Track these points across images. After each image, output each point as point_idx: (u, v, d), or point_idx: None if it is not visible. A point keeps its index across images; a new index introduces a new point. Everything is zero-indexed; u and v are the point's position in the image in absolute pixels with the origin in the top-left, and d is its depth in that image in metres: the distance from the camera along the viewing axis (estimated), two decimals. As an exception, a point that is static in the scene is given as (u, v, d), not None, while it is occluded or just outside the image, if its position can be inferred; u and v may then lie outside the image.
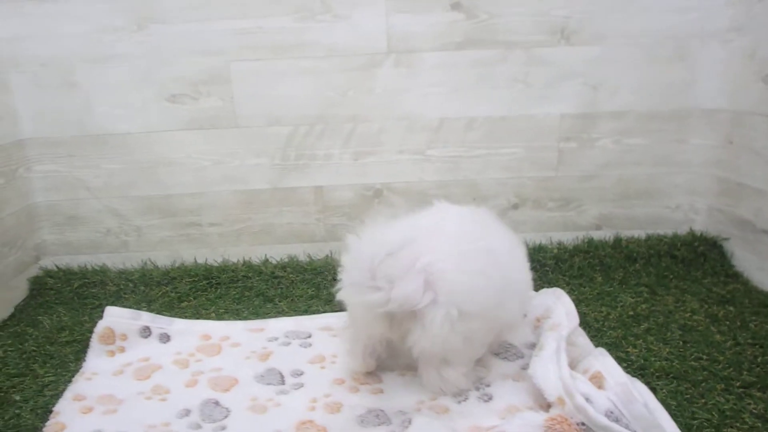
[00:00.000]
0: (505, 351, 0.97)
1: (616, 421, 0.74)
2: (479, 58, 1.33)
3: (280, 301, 1.26)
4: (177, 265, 1.43)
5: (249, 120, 1.36)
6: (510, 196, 1.42)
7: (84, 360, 1.03)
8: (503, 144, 1.39)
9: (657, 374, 0.92)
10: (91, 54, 1.31)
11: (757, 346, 0.99)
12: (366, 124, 1.37)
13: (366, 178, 1.40)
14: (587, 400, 0.75)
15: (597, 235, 1.42)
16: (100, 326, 1.06)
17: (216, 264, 1.42)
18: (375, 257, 0.79)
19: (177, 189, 1.40)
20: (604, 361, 0.84)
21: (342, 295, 0.84)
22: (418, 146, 1.39)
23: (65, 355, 1.07)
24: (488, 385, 0.90)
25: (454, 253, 0.82)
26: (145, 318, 1.11)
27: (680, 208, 1.42)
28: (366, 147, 1.39)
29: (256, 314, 1.21)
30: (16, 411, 0.90)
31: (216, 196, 1.41)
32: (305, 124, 1.37)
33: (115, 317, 1.08)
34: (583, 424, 0.74)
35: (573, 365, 0.88)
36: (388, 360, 0.94)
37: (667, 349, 0.99)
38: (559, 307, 0.98)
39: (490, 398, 0.87)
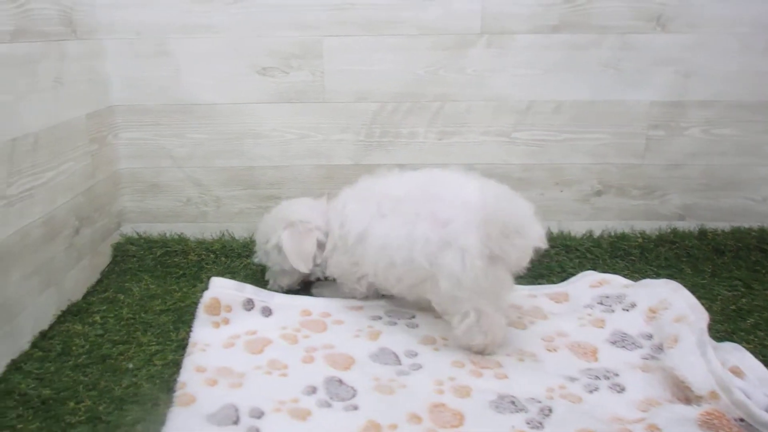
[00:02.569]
0: (621, 340, 0.96)
1: None
2: (572, 42, 1.31)
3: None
4: (254, 237, 1.43)
5: (337, 95, 1.35)
6: (594, 182, 1.41)
7: (190, 330, 1.01)
8: (590, 129, 1.37)
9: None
10: (185, 24, 1.29)
11: None
12: (453, 104, 1.36)
13: (449, 158, 1.39)
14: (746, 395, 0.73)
15: (680, 225, 1.41)
16: (207, 296, 1.05)
17: (295, 238, 1.42)
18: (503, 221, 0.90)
19: (260, 161, 1.40)
20: (741, 356, 0.83)
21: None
22: (505, 128, 1.38)
23: (163, 324, 1.07)
24: (617, 374, 0.87)
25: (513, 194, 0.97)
26: (249, 290, 1.10)
27: (766, 201, 1.41)
28: (451, 127, 1.37)
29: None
30: (132, 380, 0.90)
31: (298, 170, 1.41)
32: (392, 101, 1.35)
33: (221, 288, 1.07)
34: (741, 420, 0.71)
35: None
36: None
37: (786, 347, 0.95)
38: (679, 299, 0.96)
39: (622, 389, 0.85)
